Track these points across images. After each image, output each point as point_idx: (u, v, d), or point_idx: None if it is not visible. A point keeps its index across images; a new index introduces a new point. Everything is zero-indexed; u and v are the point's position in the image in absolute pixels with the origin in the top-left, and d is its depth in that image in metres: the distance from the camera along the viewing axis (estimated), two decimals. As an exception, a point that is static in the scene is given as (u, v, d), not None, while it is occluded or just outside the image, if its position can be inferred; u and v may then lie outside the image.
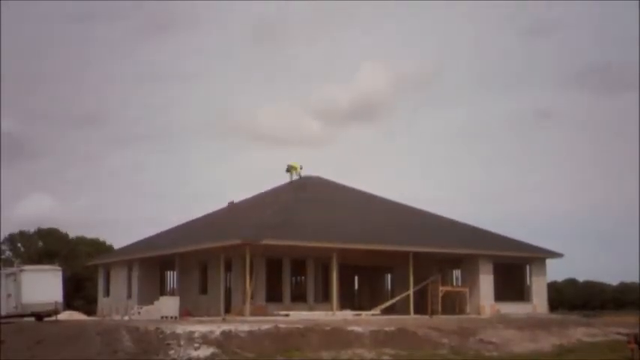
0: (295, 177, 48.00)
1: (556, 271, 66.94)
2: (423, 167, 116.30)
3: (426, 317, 38.50)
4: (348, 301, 44.96)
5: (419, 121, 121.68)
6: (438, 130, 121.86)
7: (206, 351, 24.95)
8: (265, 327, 27.91)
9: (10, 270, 36.49)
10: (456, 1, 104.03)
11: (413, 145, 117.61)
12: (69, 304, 43.38)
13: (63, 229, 75.53)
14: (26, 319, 33.59)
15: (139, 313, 40.37)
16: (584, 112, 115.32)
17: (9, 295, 34.15)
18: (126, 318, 38.51)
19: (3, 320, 32.19)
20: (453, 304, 43.23)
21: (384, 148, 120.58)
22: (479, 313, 41.68)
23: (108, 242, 74.23)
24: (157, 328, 26.41)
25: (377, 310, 40.89)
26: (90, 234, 76.03)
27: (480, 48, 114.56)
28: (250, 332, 27.03)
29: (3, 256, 71.18)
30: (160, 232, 50.94)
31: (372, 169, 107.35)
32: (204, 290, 41.98)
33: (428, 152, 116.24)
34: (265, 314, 36.80)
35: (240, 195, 49.99)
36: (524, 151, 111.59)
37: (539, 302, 45.35)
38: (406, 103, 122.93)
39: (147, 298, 43.18)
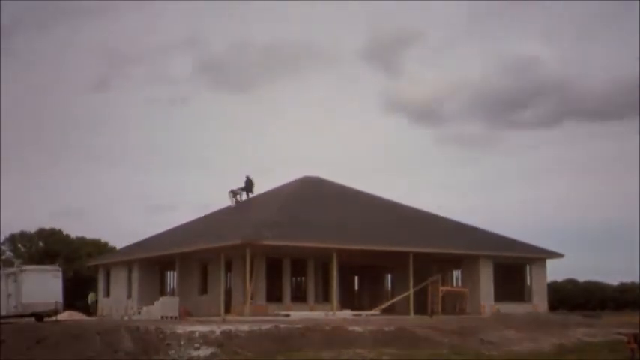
0: (239, 198, 47.53)
1: (556, 270, 66.91)
2: (423, 167, 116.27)
3: (426, 317, 38.51)
4: (348, 301, 45.01)
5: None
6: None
7: (206, 351, 24.98)
8: (265, 327, 27.95)
9: (10, 270, 36.59)
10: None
11: (412, 145, 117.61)
12: (69, 304, 43.38)
13: (64, 230, 75.62)
14: (26, 319, 33.65)
15: (139, 313, 40.46)
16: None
17: (9, 295, 34.25)
18: (126, 318, 38.57)
19: (3, 320, 32.24)
20: (453, 304, 43.26)
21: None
22: (479, 313, 41.70)
23: (110, 244, 74.26)
24: (157, 328, 26.45)
25: (377, 310, 40.92)
26: (90, 235, 76.13)
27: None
28: (250, 332, 27.06)
29: (3, 256, 71.21)
30: (160, 232, 51.00)
31: (373, 171, 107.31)
32: (204, 290, 42.02)
33: (427, 152, 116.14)
34: (265, 314, 36.83)
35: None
36: (523, 151, 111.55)
37: (539, 302, 45.38)
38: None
39: (147, 298, 43.27)
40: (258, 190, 48.87)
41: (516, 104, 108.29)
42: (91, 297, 50.21)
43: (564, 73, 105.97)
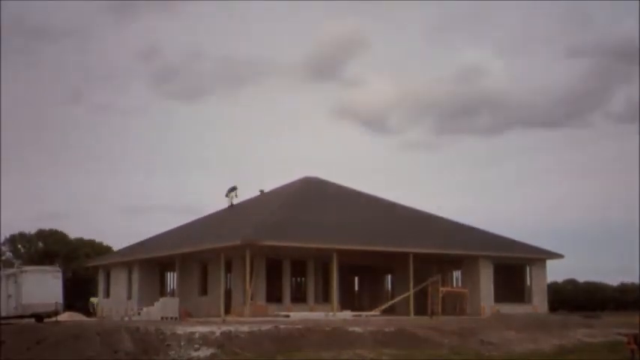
0: (234, 199, 47.78)
1: (556, 271, 66.97)
2: (422, 167, 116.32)
3: (426, 318, 38.50)
4: (349, 301, 44.99)
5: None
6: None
7: (206, 352, 24.98)
8: (265, 327, 27.94)
9: (10, 271, 36.57)
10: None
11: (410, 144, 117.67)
12: (69, 305, 43.36)
13: (63, 230, 75.60)
14: (26, 319, 33.64)
15: (139, 313, 40.45)
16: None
17: (9, 296, 34.23)
18: (126, 319, 38.56)
19: (3, 321, 32.23)
20: (454, 305, 43.24)
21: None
22: (479, 314, 41.69)
23: (105, 243, 74.29)
24: (157, 329, 26.43)
25: (377, 311, 40.91)
26: (89, 235, 76.14)
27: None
28: (250, 333, 27.06)
29: (3, 257, 71.19)
30: (159, 233, 50.98)
31: (371, 171, 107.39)
32: (204, 291, 42.01)
33: (426, 151, 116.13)
34: (265, 315, 36.82)
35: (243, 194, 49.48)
36: (524, 151, 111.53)
37: (539, 303, 45.37)
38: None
39: (147, 299, 43.25)
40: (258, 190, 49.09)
41: (466, 112, 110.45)
42: (93, 301, 50.46)
43: (510, 83, 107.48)
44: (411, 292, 40.84)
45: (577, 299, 77.77)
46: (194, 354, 24.74)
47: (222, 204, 49.30)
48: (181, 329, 26.68)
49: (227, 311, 37.61)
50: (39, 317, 33.70)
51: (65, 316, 39.71)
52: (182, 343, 25.28)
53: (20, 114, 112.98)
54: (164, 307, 39.59)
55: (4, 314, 33.69)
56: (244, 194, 49.16)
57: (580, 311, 59.31)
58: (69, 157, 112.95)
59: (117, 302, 46.88)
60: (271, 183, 49.24)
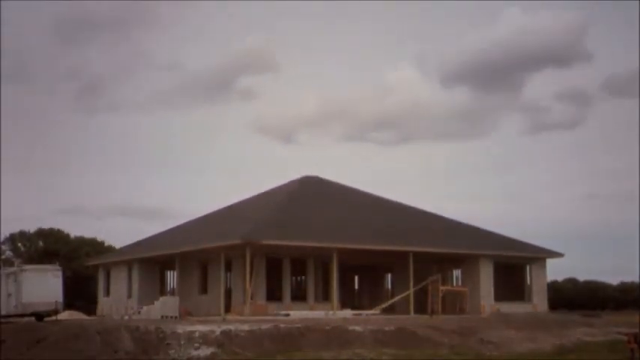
0: None
1: (556, 270, 66.93)
2: (422, 167, 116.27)
3: (426, 317, 38.51)
4: (349, 300, 45.03)
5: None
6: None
7: (206, 351, 24.99)
8: (265, 326, 27.95)
9: (10, 270, 36.57)
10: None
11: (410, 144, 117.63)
12: (69, 303, 43.37)
13: (63, 229, 75.53)
14: (26, 318, 33.65)
15: (139, 312, 40.46)
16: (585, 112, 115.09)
17: (9, 295, 34.24)
18: (126, 318, 38.56)
19: (3, 320, 32.24)
20: (454, 304, 43.26)
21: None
22: (479, 313, 41.69)
23: (104, 242, 74.25)
24: (157, 328, 26.44)
25: (377, 310, 40.93)
26: (89, 234, 76.06)
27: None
28: (250, 332, 27.07)
29: (3, 256, 71.16)
30: (160, 231, 51.01)
31: (370, 170, 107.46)
32: (204, 290, 42.02)
33: (426, 150, 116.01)
34: (265, 314, 36.84)
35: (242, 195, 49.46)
36: (524, 151, 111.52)
37: (539, 302, 45.40)
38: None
39: (147, 298, 43.25)
40: (258, 190, 49.17)
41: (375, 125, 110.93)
42: None
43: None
44: (411, 290, 40.85)
45: (577, 298, 77.69)
46: (194, 353, 24.76)
47: (217, 205, 49.33)
48: (181, 328, 26.69)
49: (227, 310, 37.63)
50: (39, 316, 33.73)
51: (65, 315, 39.74)
52: (182, 342, 25.29)
53: (19, 115, 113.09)
54: (164, 305, 39.59)
55: (4, 313, 33.71)
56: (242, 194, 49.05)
57: (580, 310, 59.26)
58: (68, 158, 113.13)
59: (117, 301, 46.89)
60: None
